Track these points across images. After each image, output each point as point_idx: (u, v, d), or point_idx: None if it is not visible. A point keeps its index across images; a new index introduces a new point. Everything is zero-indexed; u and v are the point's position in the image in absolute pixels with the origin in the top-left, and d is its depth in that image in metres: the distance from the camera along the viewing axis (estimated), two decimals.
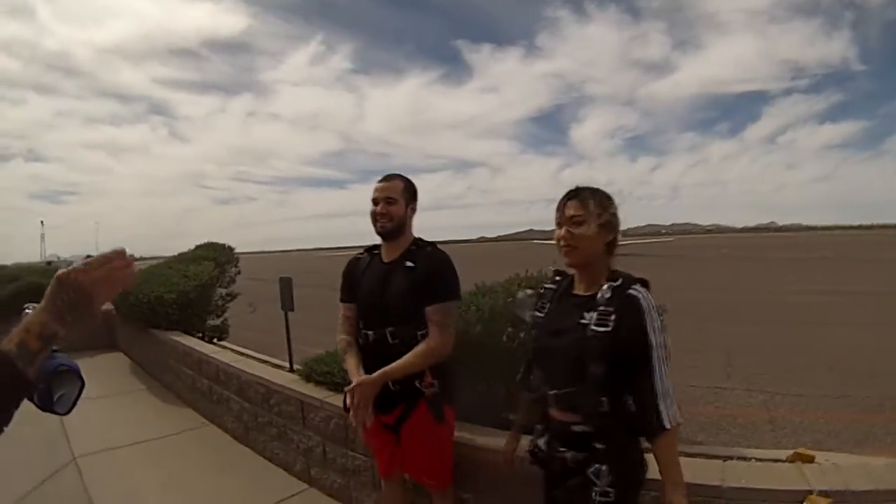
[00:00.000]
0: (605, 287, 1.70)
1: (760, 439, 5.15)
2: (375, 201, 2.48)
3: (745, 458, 2.61)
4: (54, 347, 1.04)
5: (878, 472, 2.23)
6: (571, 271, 1.89)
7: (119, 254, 1.04)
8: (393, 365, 2.31)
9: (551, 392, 1.78)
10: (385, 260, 2.53)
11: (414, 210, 2.55)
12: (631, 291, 1.67)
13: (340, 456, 3.48)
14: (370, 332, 2.44)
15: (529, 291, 2.21)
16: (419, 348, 2.33)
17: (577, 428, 1.71)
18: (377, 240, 2.56)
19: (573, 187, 1.82)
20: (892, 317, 11.30)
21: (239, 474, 4.16)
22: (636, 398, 1.63)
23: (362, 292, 2.53)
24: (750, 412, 6.01)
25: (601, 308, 1.67)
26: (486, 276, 3.49)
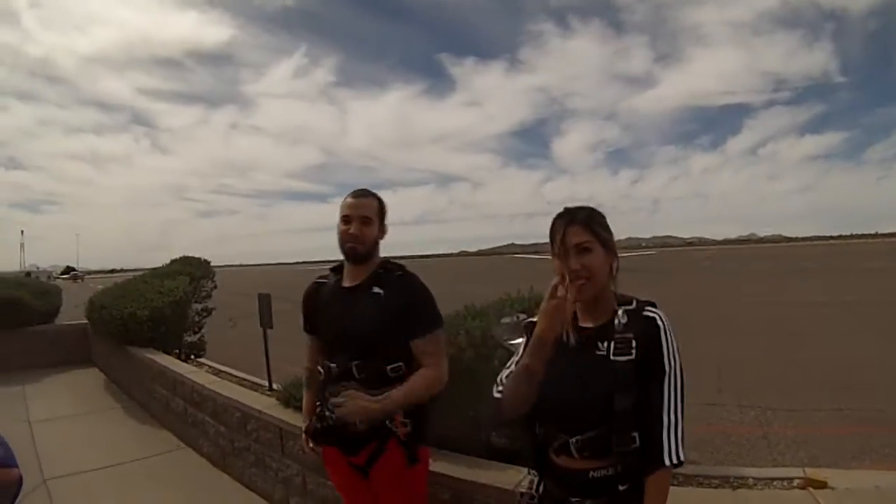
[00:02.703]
0: (619, 312, 1.53)
1: (757, 457, 5.06)
2: (347, 219, 2.23)
3: (744, 480, 2.51)
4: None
5: (893, 495, 2.16)
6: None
7: None
8: (403, 389, 2.11)
9: (572, 440, 1.55)
10: (347, 284, 2.30)
11: (385, 231, 2.34)
12: (646, 313, 1.55)
13: (321, 486, 3.28)
14: (333, 365, 2.23)
15: (522, 315, 1.93)
16: (422, 375, 2.15)
17: (596, 474, 1.53)
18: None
19: (563, 210, 1.62)
20: (880, 327, 11.32)
21: (214, 501, 3.98)
22: (641, 428, 1.46)
23: (324, 321, 2.33)
24: (744, 429, 5.91)
25: (618, 336, 1.50)
26: (470, 292, 3.32)
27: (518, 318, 1.98)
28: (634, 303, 1.57)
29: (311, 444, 2.40)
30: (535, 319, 1.63)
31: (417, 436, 2.20)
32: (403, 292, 2.21)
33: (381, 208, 2.31)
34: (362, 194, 2.29)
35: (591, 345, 1.56)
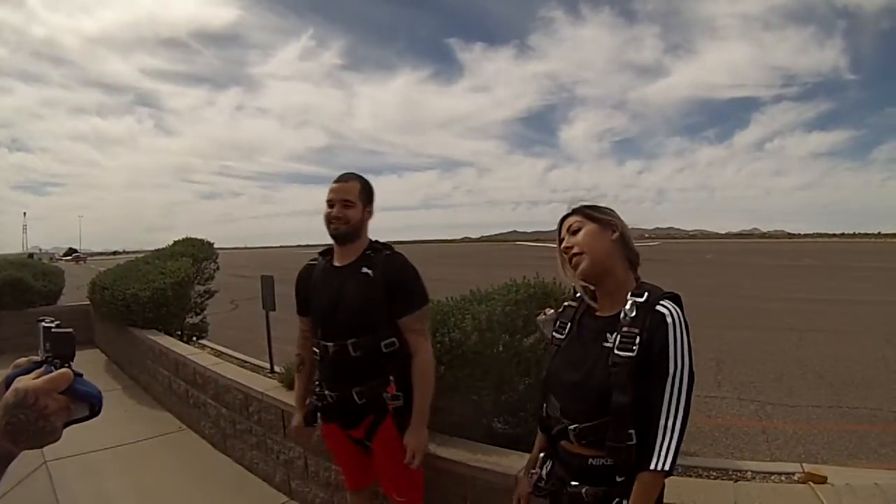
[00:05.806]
0: (628, 305, 1.48)
1: (755, 451, 5.07)
2: (330, 203, 2.33)
3: (742, 474, 2.53)
4: (80, 372, 0.87)
5: (892, 492, 2.15)
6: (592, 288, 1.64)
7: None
8: (417, 404, 2.26)
9: (571, 426, 1.54)
10: (337, 264, 2.38)
11: (370, 213, 2.40)
12: (658, 308, 1.46)
13: (323, 469, 3.29)
14: (329, 344, 2.30)
15: (550, 311, 1.98)
16: (420, 370, 2.26)
17: (594, 462, 1.51)
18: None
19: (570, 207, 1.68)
20: (882, 326, 11.30)
21: (215, 483, 3.99)
22: (637, 428, 1.42)
23: (316, 302, 2.40)
24: (743, 422, 5.92)
25: (625, 329, 1.45)
26: (476, 277, 3.34)
27: (548, 312, 2.03)
28: (646, 295, 1.49)
29: (304, 429, 2.55)
30: (570, 303, 1.74)
31: (408, 408, 2.29)
32: (392, 272, 2.30)
33: (364, 189, 2.38)
34: (344, 178, 2.37)
35: (601, 335, 1.53)
